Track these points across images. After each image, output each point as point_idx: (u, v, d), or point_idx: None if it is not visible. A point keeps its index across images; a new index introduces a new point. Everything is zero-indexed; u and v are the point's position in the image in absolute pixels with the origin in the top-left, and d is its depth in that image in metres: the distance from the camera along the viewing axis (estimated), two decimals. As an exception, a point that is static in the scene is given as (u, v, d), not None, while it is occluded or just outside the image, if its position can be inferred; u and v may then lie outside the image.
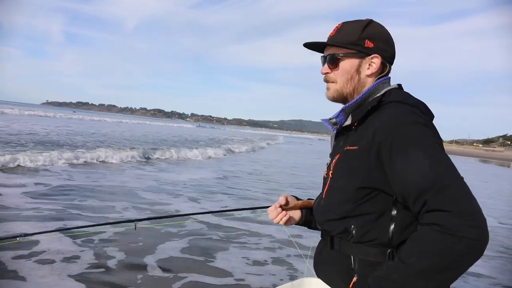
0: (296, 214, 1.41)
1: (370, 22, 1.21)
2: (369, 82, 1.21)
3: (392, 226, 1.09)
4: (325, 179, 1.27)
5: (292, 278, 3.67)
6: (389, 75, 1.24)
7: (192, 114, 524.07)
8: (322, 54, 1.27)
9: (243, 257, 4.16)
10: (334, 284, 1.18)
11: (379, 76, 1.22)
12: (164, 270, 3.61)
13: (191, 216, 5.45)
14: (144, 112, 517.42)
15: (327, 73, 1.24)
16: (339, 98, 1.24)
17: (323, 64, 1.26)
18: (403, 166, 1.01)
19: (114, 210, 5.67)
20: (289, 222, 1.39)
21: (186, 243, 4.43)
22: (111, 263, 3.64)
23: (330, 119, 1.26)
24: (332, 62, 1.22)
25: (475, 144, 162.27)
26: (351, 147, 1.14)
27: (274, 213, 1.37)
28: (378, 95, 1.18)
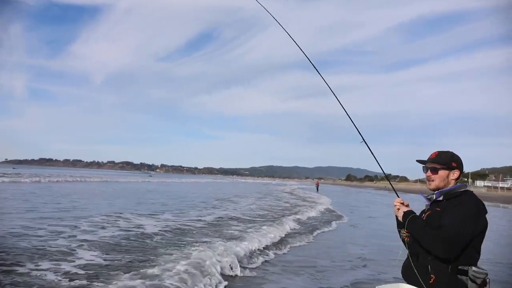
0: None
1: (453, 154, 2.45)
2: (452, 182, 2.41)
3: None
4: None
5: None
6: (461, 178, 2.48)
7: (162, 165, 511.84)
8: (424, 165, 2.50)
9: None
10: (418, 283, 2.25)
11: (456, 178, 2.42)
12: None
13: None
14: (112, 165, 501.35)
15: (430, 175, 2.43)
16: (436, 189, 2.42)
17: (427, 170, 2.46)
18: (450, 218, 2.21)
19: None
20: (398, 211, 2.52)
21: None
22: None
23: (427, 196, 2.49)
24: (434, 171, 2.42)
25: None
26: (438, 209, 2.35)
27: (398, 202, 2.55)
28: (459, 191, 2.37)
